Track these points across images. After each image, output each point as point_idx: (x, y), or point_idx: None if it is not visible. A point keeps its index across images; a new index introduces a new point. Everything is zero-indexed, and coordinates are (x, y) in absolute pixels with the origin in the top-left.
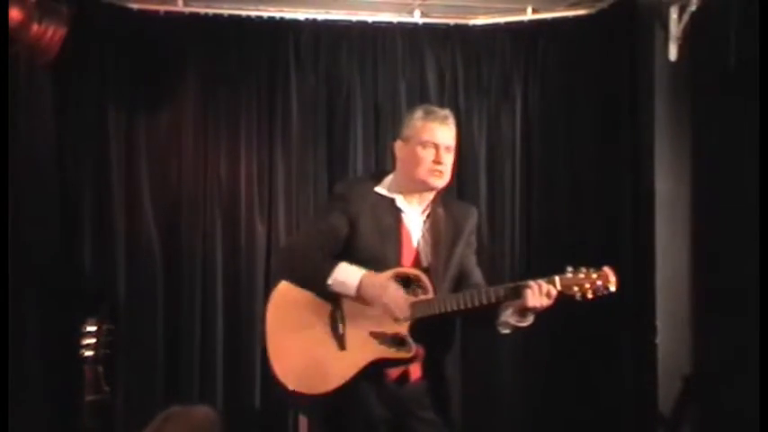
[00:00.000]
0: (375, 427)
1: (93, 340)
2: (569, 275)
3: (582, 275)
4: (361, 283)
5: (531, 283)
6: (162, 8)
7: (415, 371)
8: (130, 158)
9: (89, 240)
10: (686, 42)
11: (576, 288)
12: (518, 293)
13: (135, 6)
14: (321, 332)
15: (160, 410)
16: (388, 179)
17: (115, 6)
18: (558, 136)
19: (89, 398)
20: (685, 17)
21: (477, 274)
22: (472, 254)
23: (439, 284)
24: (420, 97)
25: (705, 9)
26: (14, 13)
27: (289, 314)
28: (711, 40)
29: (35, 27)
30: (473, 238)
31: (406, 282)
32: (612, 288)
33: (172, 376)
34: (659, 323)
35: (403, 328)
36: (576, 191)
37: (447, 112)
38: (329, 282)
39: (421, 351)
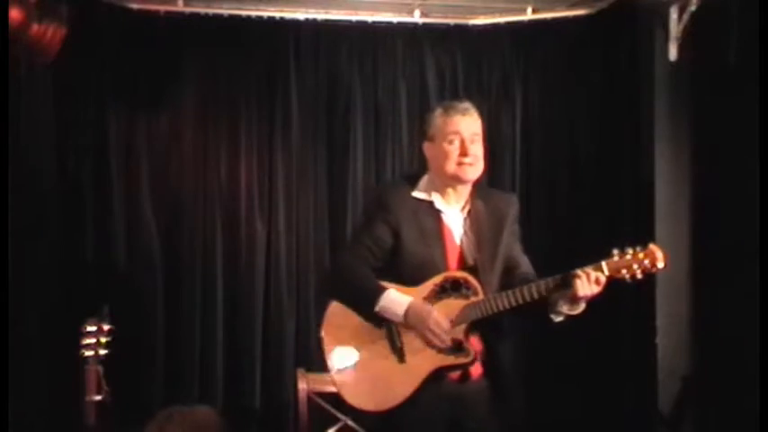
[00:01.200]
0: (435, 426)
1: (93, 340)
2: (616, 259)
3: (629, 257)
4: (407, 311)
5: (579, 272)
6: (162, 8)
7: (476, 368)
8: (130, 158)
9: (89, 240)
10: (686, 42)
11: (624, 270)
12: (567, 284)
13: (135, 6)
14: (380, 347)
15: (160, 410)
16: (423, 181)
17: (115, 6)
18: (557, 136)
19: (89, 398)
20: (685, 17)
21: (524, 263)
22: (517, 242)
23: (487, 280)
24: (420, 97)
25: (705, 9)
26: (14, 13)
27: (346, 332)
28: (711, 39)
29: (35, 27)
30: (516, 227)
31: (456, 285)
32: (661, 265)
33: (172, 376)
34: (659, 323)
35: (459, 333)
36: (575, 190)
37: (467, 104)
38: (377, 309)
39: (479, 350)
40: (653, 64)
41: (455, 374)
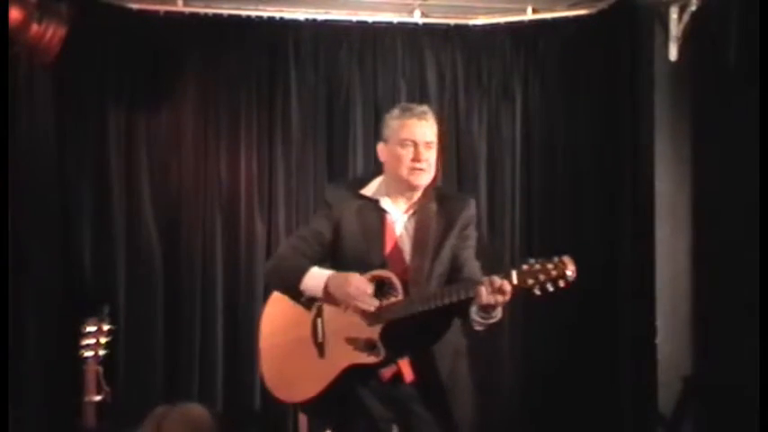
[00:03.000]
0: (377, 426)
1: (92, 341)
2: (525, 267)
3: (538, 266)
4: (327, 282)
5: (484, 279)
6: (162, 8)
7: (408, 373)
8: (130, 158)
9: (89, 240)
10: (686, 42)
11: (531, 281)
12: (471, 291)
13: (135, 6)
14: (304, 340)
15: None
16: (376, 182)
17: (115, 6)
18: (557, 136)
19: (89, 398)
20: (686, 17)
21: (470, 268)
22: (468, 247)
23: (418, 282)
24: (420, 97)
25: (705, 9)
26: (14, 13)
27: (277, 323)
28: (712, 40)
29: (35, 27)
30: (470, 231)
31: (381, 285)
32: (570, 276)
33: (171, 376)
34: (659, 323)
35: (374, 334)
36: (575, 191)
37: (425, 107)
38: (301, 287)
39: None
40: (653, 64)
41: (386, 374)
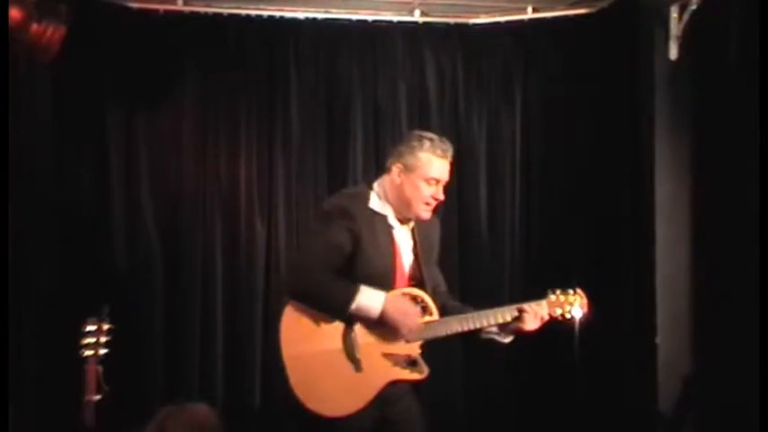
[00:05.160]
0: (361, 420)
1: (92, 340)
2: (552, 298)
3: (562, 298)
4: (385, 307)
5: (527, 307)
6: (161, 7)
7: None
8: (130, 158)
9: (89, 240)
10: (687, 41)
11: (558, 311)
12: (519, 316)
13: (134, 5)
14: (337, 355)
15: (160, 409)
16: (376, 193)
17: (115, 5)
18: (557, 135)
19: (89, 397)
20: (686, 16)
21: (442, 281)
22: (437, 262)
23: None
24: (420, 96)
25: (705, 8)
26: (14, 13)
27: (303, 336)
28: (712, 39)
29: (34, 26)
30: (438, 247)
31: (413, 302)
32: (578, 312)
33: (172, 376)
34: (659, 323)
35: (414, 350)
36: (575, 189)
37: (449, 144)
38: (352, 307)
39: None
40: (653, 63)
41: None
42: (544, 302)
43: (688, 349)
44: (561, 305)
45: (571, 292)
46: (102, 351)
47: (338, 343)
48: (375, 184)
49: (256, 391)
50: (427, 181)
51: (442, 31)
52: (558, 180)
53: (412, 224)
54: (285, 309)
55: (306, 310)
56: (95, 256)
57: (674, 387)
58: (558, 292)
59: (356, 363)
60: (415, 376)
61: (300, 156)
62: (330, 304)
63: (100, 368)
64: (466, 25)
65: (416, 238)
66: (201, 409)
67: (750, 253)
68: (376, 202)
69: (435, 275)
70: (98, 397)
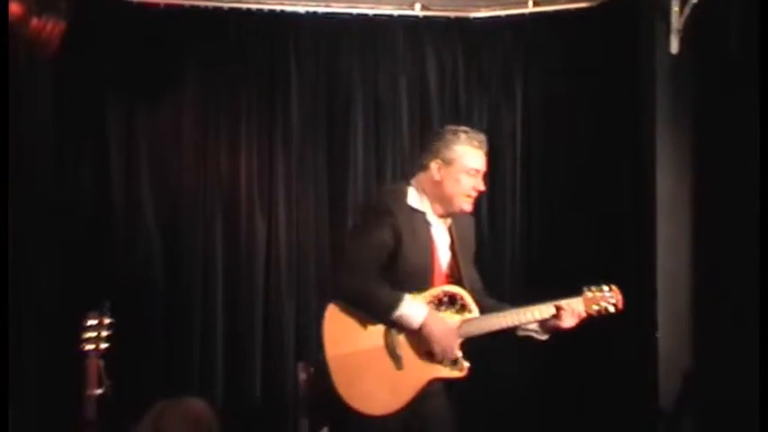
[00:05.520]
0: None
1: (94, 334)
2: (589, 295)
3: (599, 294)
4: (425, 322)
5: (563, 303)
6: (162, 1)
7: None
8: (130, 153)
9: (89, 236)
10: (688, 35)
11: (595, 307)
12: (557, 314)
13: None
14: (379, 352)
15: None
16: (414, 189)
17: None
18: (558, 129)
19: (90, 392)
20: (687, 10)
21: (479, 278)
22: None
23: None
24: (420, 90)
25: (707, 1)
26: (14, 8)
27: (346, 335)
28: (713, 32)
29: (34, 21)
30: (474, 245)
31: (452, 299)
32: (618, 305)
33: (173, 370)
34: (660, 319)
35: (456, 348)
36: (576, 185)
37: (483, 135)
38: (395, 314)
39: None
40: (654, 57)
41: None
42: (581, 299)
43: (689, 346)
44: (597, 301)
45: (606, 288)
46: (104, 345)
47: (380, 341)
48: (413, 181)
49: (257, 387)
50: (467, 172)
51: (442, 24)
52: (559, 175)
53: (449, 221)
54: (328, 308)
55: (348, 310)
56: (96, 251)
57: (675, 384)
58: (594, 288)
59: (397, 360)
60: (456, 374)
61: (301, 150)
62: (374, 309)
63: (101, 362)
64: (466, 19)
65: (454, 235)
66: (197, 404)
67: (751, 250)
68: (414, 199)
69: (472, 272)
70: (99, 391)
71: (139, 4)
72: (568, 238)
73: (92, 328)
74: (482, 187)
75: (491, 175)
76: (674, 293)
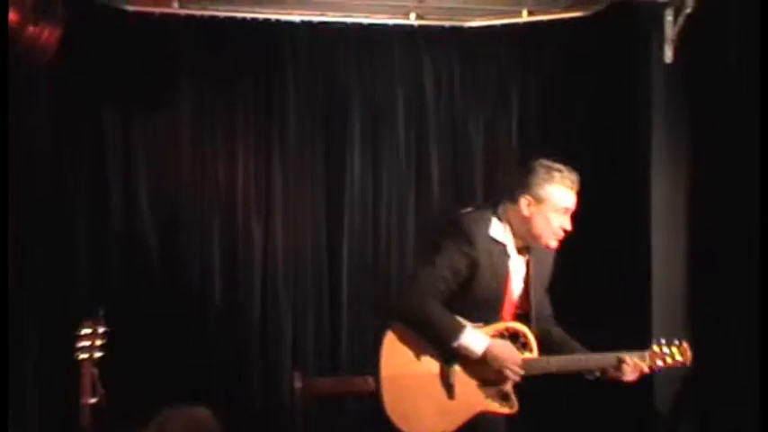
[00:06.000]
0: None
1: (88, 343)
2: (656, 350)
3: (666, 351)
4: (487, 350)
5: (626, 357)
6: (157, 10)
7: None
8: (127, 160)
9: (85, 242)
10: (682, 44)
11: (659, 362)
12: (618, 366)
13: (130, 8)
14: (433, 379)
15: (156, 413)
16: (498, 219)
17: (110, 8)
18: (554, 139)
19: (85, 400)
20: (681, 19)
21: (548, 305)
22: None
23: (532, 326)
24: (417, 99)
25: (700, 11)
26: (11, 14)
27: (403, 358)
28: (707, 42)
29: (31, 28)
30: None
31: (514, 336)
32: (687, 364)
33: (168, 378)
34: (656, 327)
35: (508, 385)
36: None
37: (576, 174)
38: (455, 344)
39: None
40: (649, 66)
41: None
42: (647, 354)
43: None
44: (663, 357)
45: (677, 343)
46: (98, 354)
47: (436, 367)
48: (499, 209)
49: (253, 394)
50: (558, 212)
51: (438, 34)
52: None
53: (527, 256)
54: (389, 330)
55: (409, 333)
56: (93, 258)
57: (670, 390)
58: (664, 342)
59: (450, 389)
60: (505, 410)
61: (298, 159)
62: (435, 337)
63: (96, 371)
64: (461, 28)
65: (531, 267)
66: (201, 412)
67: (747, 257)
68: (497, 230)
69: (542, 302)
70: (94, 400)
71: (136, 13)
72: (563, 246)
73: (86, 336)
74: (569, 227)
75: (487, 184)
76: (669, 300)
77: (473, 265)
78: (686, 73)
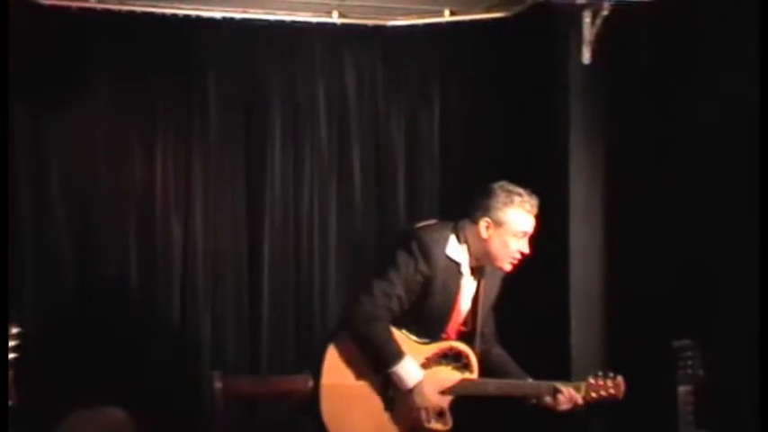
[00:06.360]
0: None
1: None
2: (592, 382)
3: (601, 383)
4: (416, 387)
5: (562, 388)
6: (74, 4)
7: None
8: (40, 157)
9: None
10: (600, 46)
11: (593, 395)
12: (554, 395)
13: (46, 2)
14: (373, 387)
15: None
16: (456, 238)
17: (26, 1)
18: (475, 137)
19: None
20: (598, 21)
21: (491, 323)
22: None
23: (476, 349)
24: (339, 97)
25: (617, 14)
26: None
27: (344, 367)
28: (623, 44)
29: None
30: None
31: (456, 356)
32: (619, 396)
33: (85, 380)
34: (573, 323)
35: (444, 402)
36: None
37: (536, 199)
38: (390, 370)
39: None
40: (567, 66)
41: None
42: (582, 386)
43: (600, 348)
44: (597, 390)
45: (611, 376)
46: (12, 355)
47: (376, 379)
48: (459, 227)
49: (171, 395)
50: (516, 236)
51: (360, 32)
52: (475, 180)
53: (478, 276)
54: (335, 340)
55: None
56: (3, 256)
57: None
58: (600, 374)
59: (388, 402)
60: (438, 427)
61: (218, 156)
62: (373, 357)
63: (11, 373)
64: (384, 27)
65: (481, 285)
66: (114, 414)
67: (662, 254)
68: (454, 249)
69: (487, 320)
70: (9, 402)
71: (51, 7)
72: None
73: None
74: (527, 250)
75: (408, 181)
76: (587, 299)
77: (427, 284)
78: (604, 73)
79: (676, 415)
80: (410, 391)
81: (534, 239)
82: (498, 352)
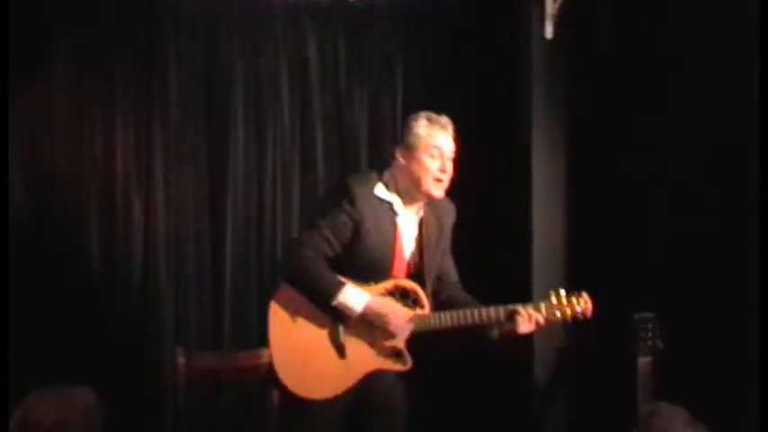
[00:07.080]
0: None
1: None
2: (554, 302)
3: (565, 301)
4: (366, 308)
5: (520, 308)
6: None
7: None
8: None
9: None
10: (562, 21)
11: (558, 314)
12: (511, 318)
13: None
14: (322, 339)
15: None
16: (385, 179)
17: None
18: (437, 113)
19: None
20: None
21: (452, 270)
22: (449, 249)
23: (428, 288)
24: (301, 74)
25: None
26: None
27: (291, 318)
28: (585, 20)
29: None
30: (450, 234)
31: (404, 294)
32: (588, 313)
33: (46, 360)
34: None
35: (400, 342)
36: (454, 172)
37: (447, 119)
38: (334, 303)
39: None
40: (530, 41)
41: None
42: (542, 305)
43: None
44: (562, 308)
45: (576, 293)
46: None
47: (325, 328)
48: (384, 171)
49: (134, 372)
50: (430, 154)
51: (323, 9)
52: None
53: (421, 212)
54: (276, 294)
55: (294, 298)
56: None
57: (549, 359)
58: (562, 293)
59: (340, 349)
60: (398, 367)
61: (179, 132)
62: (316, 296)
63: None
64: (347, 4)
65: (424, 226)
66: (78, 391)
67: (623, 233)
68: (382, 190)
69: (443, 264)
70: None
71: None
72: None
73: None
74: (449, 170)
75: (371, 159)
76: (549, 276)
77: (357, 225)
78: (566, 49)
79: (636, 386)
80: (367, 314)
81: (498, 216)
82: (463, 295)
